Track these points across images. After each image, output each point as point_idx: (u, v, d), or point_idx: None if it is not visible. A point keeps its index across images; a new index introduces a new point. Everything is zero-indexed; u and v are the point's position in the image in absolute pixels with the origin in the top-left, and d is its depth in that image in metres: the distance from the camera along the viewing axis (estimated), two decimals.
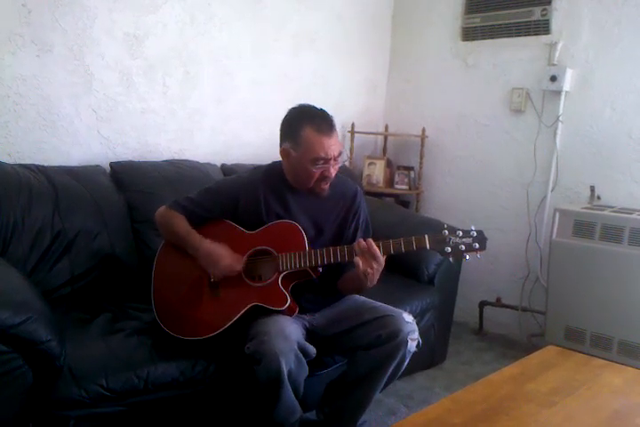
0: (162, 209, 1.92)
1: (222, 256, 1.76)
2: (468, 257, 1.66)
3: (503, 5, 2.99)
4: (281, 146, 1.81)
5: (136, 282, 2.16)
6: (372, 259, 1.63)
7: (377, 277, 1.68)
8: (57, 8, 2.22)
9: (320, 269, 1.77)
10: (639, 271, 2.41)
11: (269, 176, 1.88)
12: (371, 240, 1.65)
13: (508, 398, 1.45)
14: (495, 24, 3.04)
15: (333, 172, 1.78)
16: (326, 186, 1.81)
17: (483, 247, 1.63)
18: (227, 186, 1.92)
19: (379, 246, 1.67)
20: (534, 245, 2.98)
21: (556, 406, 1.43)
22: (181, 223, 1.86)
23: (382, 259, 1.64)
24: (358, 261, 1.64)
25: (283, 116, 1.83)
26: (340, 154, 1.77)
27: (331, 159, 1.74)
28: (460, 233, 1.64)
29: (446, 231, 1.64)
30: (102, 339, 1.74)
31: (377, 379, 1.76)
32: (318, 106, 1.86)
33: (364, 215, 1.94)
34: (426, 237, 1.65)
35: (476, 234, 1.64)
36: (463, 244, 1.63)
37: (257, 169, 1.95)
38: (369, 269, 1.63)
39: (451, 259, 1.70)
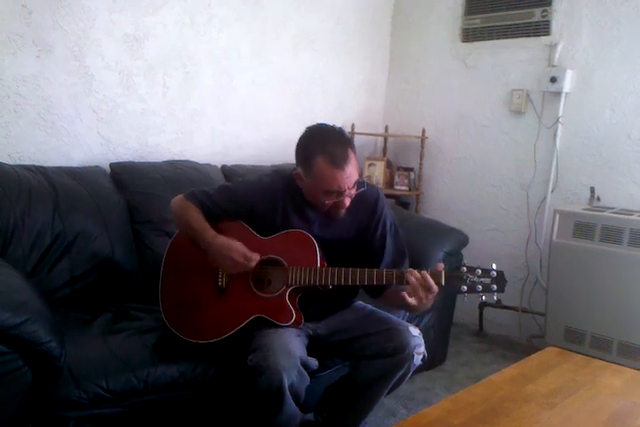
0: (179, 198, 1.84)
1: (236, 249, 1.69)
2: (484, 297, 1.59)
3: (503, 6, 2.99)
4: (295, 168, 1.74)
5: (136, 282, 2.16)
6: (425, 291, 1.56)
7: (431, 302, 1.61)
8: (57, 9, 2.22)
9: (330, 286, 1.71)
10: (639, 273, 2.41)
11: (290, 186, 1.78)
12: (425, 273, 1.57)
13: (507, 400, 1.45)
14: (495, 25, 3.04)
15: (348, 201, 1.68)
16: (342, 210, 1.72)
17: (501, 290, 1.56)
18: (244, 189, 1.84)
19: (390, 275, 1.62)
20: (534, 246, 2.98)
21: (556, 407, 1.43)
22: (197, 216, 1.78)
23: (436, 287, 1.57)
24: (406, 297, 1.56)
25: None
26: (356, 182, 1.67)
27: (345, 191, 1.65)
28: (480, 272, 1.56)
29: (464, 268, 1.57)
30: (102, 340, 1.73)
31: (379, 389, 1.75)
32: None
33: (390, 220, 1.84)
34: (442, 273, 1.58)
35: (495, 275, 1.56)
36: (481, 284, 1.56)
37: (279, 174, 1.85)
38: (423, 301, 1.57)
39: (465, 297, 1.61)
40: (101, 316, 1.92)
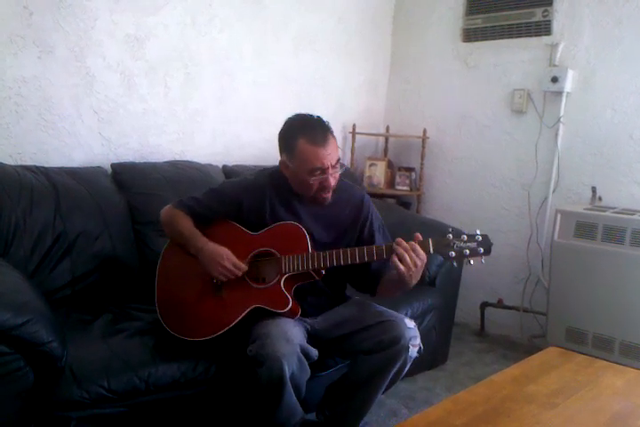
0: (167, 208, 1.91)
1: (225, 258, 1.75)
2: (472, 262, 1.62)
3: (504, 6, 2.99)
4: (280, 158, 1.81)
5: (137, 283, 2.16)
6: (416, 258, 1.59)
7: (420, 273, 1.64)
8: (58, 10, 2.22)
9: (323, 272, 1.76)
10: None
11: (276, 181, 1.85)
12: (412, 242, 1.60)
13: (509, 400, 1.45)
14: (496, 25, 3.04)
15: (333, 181, 1.75)
16: (328, 195, 1.78)
17: (487, 252, 1.59)
18: (231, 188, 1.91)
19: (381, 250, 1.66)
20: (535, 246, 2.98)
21: (558, 407, 1.42)
22: (186, 223, 1.85)
23: (424, 254, 1.61)
24: (397, 262, 1.59)
25: (281, 125, 1.81)
26: (337, 161, 1.74)
27: (328, 168, 1.71)
28: (465, 237, 1.60)
29: (450, 235, 1.60)
30: (103, 340, 1.74)
31: (377, 384, 1.75)
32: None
33: (377, 220, 1.91)
34: (429, 240, 1.62)
35: (481, 238, 1.59)
36: (468, 248, 1.59)
37: (263, 172, 1.92)
38: (412, 267, 1.60)
39: (454, 263, 1.67)
40: (102, 316, 1.92)
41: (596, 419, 1.39)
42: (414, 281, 1.65)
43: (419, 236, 1.63)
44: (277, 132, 1.83)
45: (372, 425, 2.11)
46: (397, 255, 1.60)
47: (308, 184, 1.74)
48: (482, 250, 1.59)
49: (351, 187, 1.94)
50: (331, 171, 1.73)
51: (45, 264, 1.99)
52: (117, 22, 2.39)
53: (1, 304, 1.41)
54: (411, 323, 1.75)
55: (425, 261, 1.61)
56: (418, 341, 1.73)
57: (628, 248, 2.44)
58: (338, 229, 1.86)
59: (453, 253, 1.60)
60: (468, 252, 1.59)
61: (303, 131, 1.73)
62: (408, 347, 1.69)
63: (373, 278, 1.83)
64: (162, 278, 1.90)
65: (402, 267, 1.59)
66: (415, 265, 1.59)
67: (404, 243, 1.61)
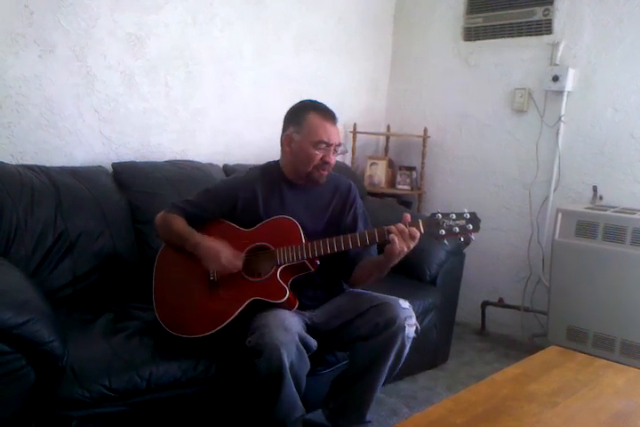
0: (161, 213, 1.95)
1: (222, 252, 1.77)
2: (462, 239, 1.66)
3: (505, 5, 2.98)
4: (283, 134, 1.87)
5: (138, 282, 2.16)
6: (410, 240, 1.63)
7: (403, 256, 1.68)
8: (59, 9, 2.22)
9: (318, 262, 1.79)
10: None
11: (266, 173, 1.94)
12: (402, 226, 1.64)
13: (510, 399, 1.45)
14: (497, 24, 3.04)
15: (333, 159, 1.83)
16: (325, 173, 1.85)
17: (476, 228, 1.64)
18: (225, 186, 1.97)
19: (372, 233, 1.68)
20: (536, 245, 2.98)
21: (559, 406, 1.42)
22: (180, 223, 1.88)
23: (418, 233, 1.65)
24: (394, 238, 1.62)
25: (282, 124, 1.87)
26: (339, 145, 1.84)
27: (332, 145, 1.81)
28: (454, 216, 1.65)
29: (439, 215, 1.66)
30: (105, 339, 1.74)
31: (379, 369, 1.77)
32: None
33: (360, 207, 1.98)
34: (420, 221, 1.66)
35: (469, 216, 1.64)
36: (457, 226, 1.64)
37: (253, 168, 2.00)
38: (405, 249, 1.64)
39: (445, 241, 1.71)
40: (103, 315, 1.92)
41: (596, 418, 1.39)
42: (395, 262, 1.69)
43: (407, 217, 1.67)
44: (278, 132, 1.85)
45: (374, 424, 2.10)
46: (392, 238, 1.63)
47: (311, 157, 1.80)
48: (471, 226, 1.63)
49: (338, 177, 2.01)
50: (333, 150, 1.82)
51: (46, 263, 1.99)
52: (118, 21, 2.39)
53: (2, 303, 1.41)
54: (405, 303, 1.78)
55: (417, 242, 1.65)
56: (414, 320, 1.75)
57: (628, 247, 2.43)
58: (328, 217, 1.92)
59: (443, 232, 1.64)
60: (457, 229, 1.64)
61: (314, 107, 1.84)
62: (404, 327, 1.71)
63: (349, 264, 1.87)
64: (158, 280, 1.92)
65: (396, 249, 1.62)
66: (408, 247, 1.64)
67: (400, 225, 1.64)
